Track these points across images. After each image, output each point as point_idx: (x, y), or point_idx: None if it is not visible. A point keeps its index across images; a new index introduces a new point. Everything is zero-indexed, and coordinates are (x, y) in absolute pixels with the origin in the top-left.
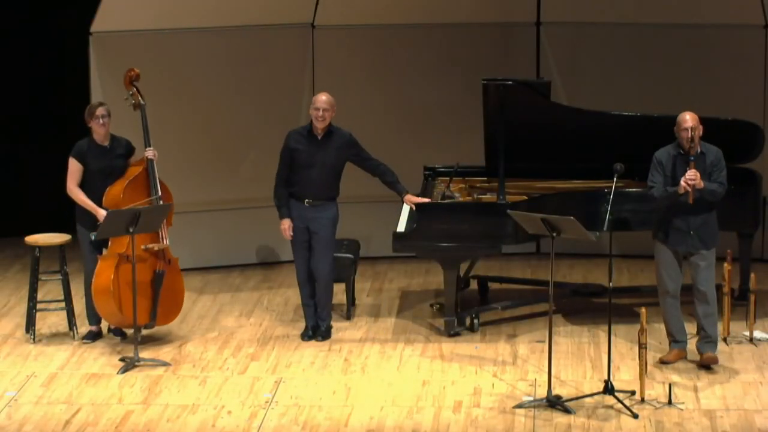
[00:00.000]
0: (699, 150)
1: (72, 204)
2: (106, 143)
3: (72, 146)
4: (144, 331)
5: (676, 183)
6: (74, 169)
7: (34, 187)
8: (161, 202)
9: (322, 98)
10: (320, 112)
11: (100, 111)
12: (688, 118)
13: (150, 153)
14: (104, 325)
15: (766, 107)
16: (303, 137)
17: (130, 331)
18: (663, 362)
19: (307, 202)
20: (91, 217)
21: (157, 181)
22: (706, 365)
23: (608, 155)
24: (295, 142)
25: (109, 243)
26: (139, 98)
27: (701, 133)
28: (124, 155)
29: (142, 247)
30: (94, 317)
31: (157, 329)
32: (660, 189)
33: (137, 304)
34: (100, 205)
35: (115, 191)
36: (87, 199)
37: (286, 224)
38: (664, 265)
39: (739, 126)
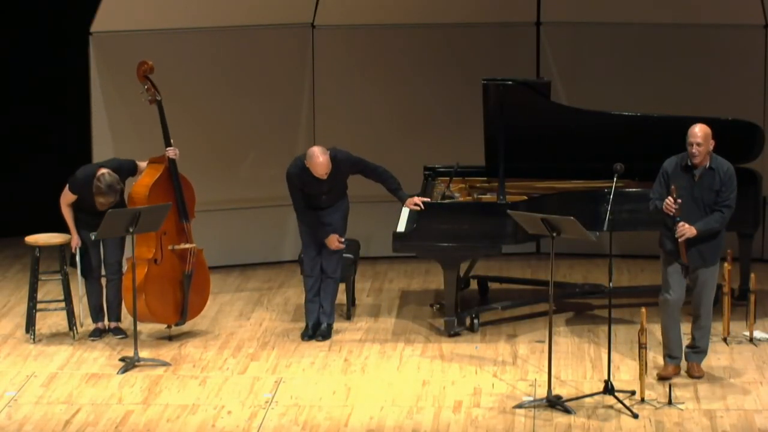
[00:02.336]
0: (708, 165)
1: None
2: None
3: (71, 145)
4: (133, 327)
5: (678, 194)
6: (66, 194)
7: (34, 187)
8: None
9: (321, 161)
10: (325, 176)
11: (103, 200)
12: (697, 132)
13: (171, 152)
14: (103, 326)
15: (766, 107)
16: (306, 177)
17: (130, 332)
18: (661, 378)
19: (319, 208)
20: (88, 220)
21: (180, 181)
22: (692, 375)
23: (608, 155)
24: (301, 183)
25: (135, 249)
26: (155, 93)
27: (712, 147)
28: (122, 182)
29: (169, 248)
30: (98, 315)
31: (159, 328)
32: (657, 202)
33: (168, 303)
34: (95, 210)
35: (140, 192)
36: (71, 221)
37: (331, 239)
38: (669, 273)
39: (739, 126)
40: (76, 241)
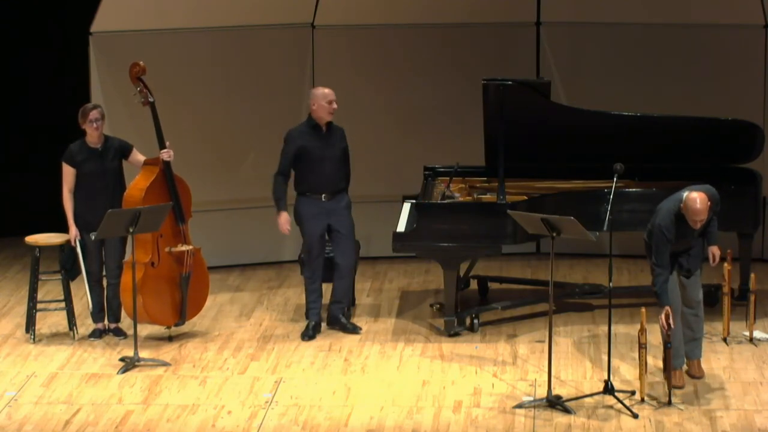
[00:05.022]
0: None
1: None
2: (99, 145)
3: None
4: (133, 327)
5: (679, 241)
6: (66, 173)
7: (34, 187)
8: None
9: (328, 90)
10: (334, 105)
11: (93, 114)
12: (700, 209)
13: (165, 155)
14: (103, 326)
15: (766, 107)
16: (308, 134)
17: (130, 333)
18: (676, 387)
19: (324, 197)
20: (87, 220)
21: (175, 184)
22: (692, 376)
23: (608, 155)
24: (301, 140)
25: (134, 252)
26: (148, 94)
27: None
28: (117, 157)
29: (166, 250)
30: (98, 315)
31: (159, 328)
32: (663, 285)
33: (166, 306)
34: (90, 206)
35: (135, 195)
36: (69, 211)
37: (284, 218)
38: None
39: (739, 126)
40: (74, 233)
